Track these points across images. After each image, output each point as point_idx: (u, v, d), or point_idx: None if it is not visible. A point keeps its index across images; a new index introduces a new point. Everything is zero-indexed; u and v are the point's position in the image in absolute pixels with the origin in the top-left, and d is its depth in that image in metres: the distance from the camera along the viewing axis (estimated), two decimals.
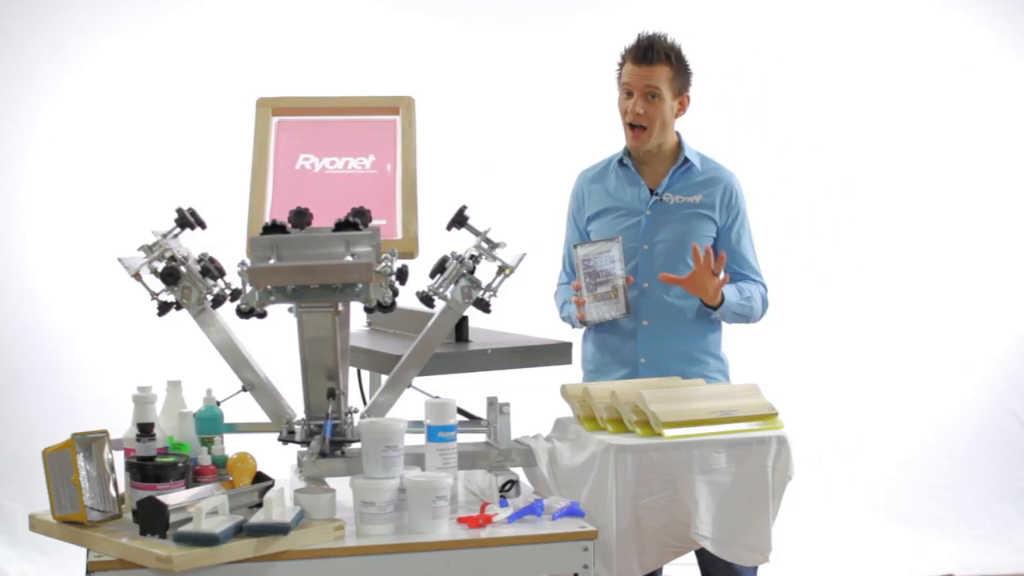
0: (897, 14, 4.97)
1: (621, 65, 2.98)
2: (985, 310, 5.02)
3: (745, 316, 2.97)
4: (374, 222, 2.37)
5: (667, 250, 2.95)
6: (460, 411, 2.53)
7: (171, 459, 2.28)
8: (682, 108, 2.98)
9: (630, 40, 2.96)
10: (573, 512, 2.36)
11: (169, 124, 4.45)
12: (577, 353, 2.99)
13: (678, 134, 3.02)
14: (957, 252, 5.01)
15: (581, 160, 4.64)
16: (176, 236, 2.42)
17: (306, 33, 4.57)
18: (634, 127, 2.94)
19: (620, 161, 3.04)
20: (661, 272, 2.89)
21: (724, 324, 3.03)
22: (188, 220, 2.41)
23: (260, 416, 2.48)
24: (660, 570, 2.96)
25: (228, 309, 2.38)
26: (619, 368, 2.98)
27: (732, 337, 3.10)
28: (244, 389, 2.47)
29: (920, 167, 4.99)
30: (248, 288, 2.27)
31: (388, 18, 4.65)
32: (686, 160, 2.99)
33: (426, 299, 2.44)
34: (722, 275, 2.81)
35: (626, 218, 2.99)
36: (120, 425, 2.44)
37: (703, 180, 2.99)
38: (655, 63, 2.90)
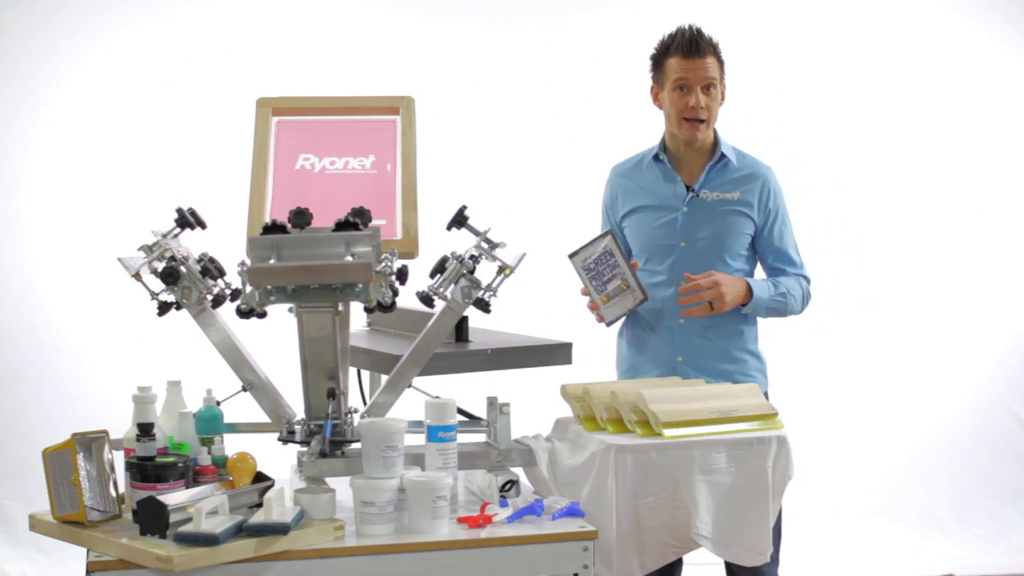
0: (897, 15, 4.97)
1: (658, 60, 2.95)
2: (985, 310, 5.02)
3: (779, 311, 2.96)
4: (374, 222, 2.37)
5: (705, 247, 2.92)
6: (460, 411, 2.53)
7: (171, 459, 2.28)
8: (723, 98, 2.96)
9: (667, 34, 2.92)
10: (573, 512, 2.36)
11: (169, 124, 4.45)
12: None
13: (715, 129, 3.00)
14: (957, 252, 5.01)
15: (582, 158, 4.66)
16: (176, 236, 2.42)
17: (306, 33, 4.57)
18: (692, 120, 2.90)
19: (656, 156, 3.01)
20: (688, 272, 2.88)
21: (760, 322, 3.00)
22: (188, 220, 2.41)
23: (260, 416, 2.48)
24: (681, 569, 2.97)
25: (228, 309, 2.38)
26: (655, 367, 2.96)
27: None
28: (244, 389, 2.47)
29: (919, 168, 4.99)
30: (248, 288, 2.27)
31: (388, 18, 4.65)
32: (723, 156, 2.96)
33: (426, 299, 2.44)
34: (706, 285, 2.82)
35: (663, 214, 2.96)
36: (120, 425, 2.44)
37: (740, 176, 2.97)
38: (706, 55, 2.88)
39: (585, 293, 2.90)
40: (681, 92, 2.91)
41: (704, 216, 2.94)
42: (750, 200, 2.95)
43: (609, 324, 2.91)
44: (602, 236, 2.86)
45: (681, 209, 2.95)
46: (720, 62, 2.93)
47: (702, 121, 2.90)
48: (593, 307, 2.90)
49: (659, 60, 2.95)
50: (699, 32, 2.91)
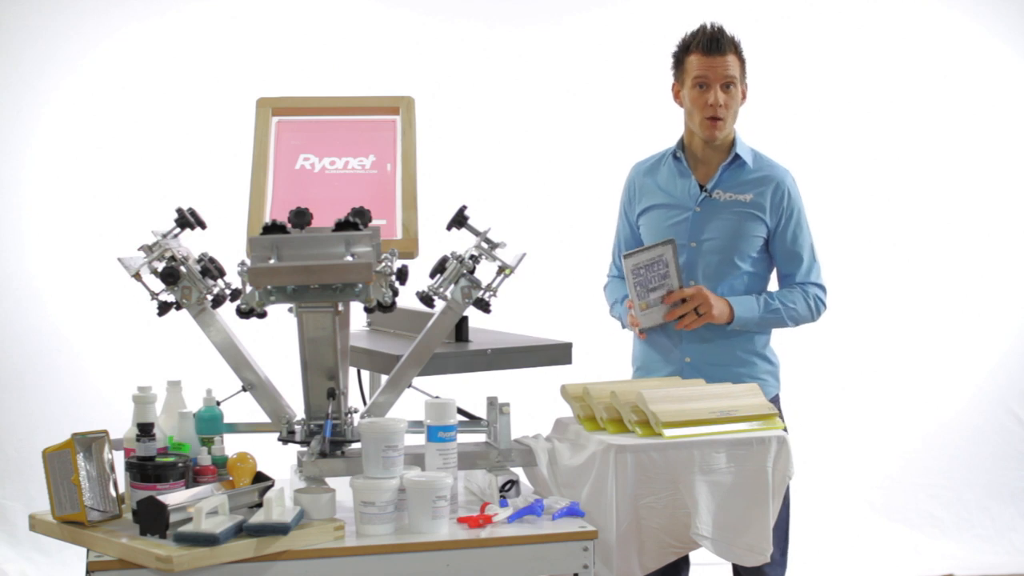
0: (897, 15, 4.97)
1: (679, 58, 2.94)
2: (985, 311, 5.02)
3: (777, 324, 2.96)
4: (374, 222, 2.37)
5: (715, 248, 2.91)
6: (460, 411, 2.53)
7: (171, 459, 2.28)
8: (744, 97, 2.96)
9: (689, 32, 2.93)
10: (573, 512, 2.36)
11: (169, 124, 4.45)
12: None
13: (733, 129, 2.99)
14: (957, 252, 5.01)
15: (582, 158, 4.67)
16: (176, 236, 2.42)
17: (306, 33, 4.57)
18: (711, 118, 2.89)
19: (674, 154, 3.01)
20: (698, 273, 2.91)
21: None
22: (188, 220, 2.41)
23: (260, 416, 2.48)
24: (688, 569, 2.96)
25: (228, 309, 2.38)
26: (665, 366, 2.96)
27: None
28: (244, 389, 2.47)
29: (919, 168, 4.99)
30: (248, 288, 2.27)
31: (388, 18, 4.65)
32: (737, 156, 2.95)
33: (426, 299, 2.43)
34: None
35: (676, 213, 2.96)
36: (120, 425, 2.44)
37: (755, 178, 2.95)
38: (727, 53, 2.88)
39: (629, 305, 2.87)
40: (700, 90, 2.90)
41: (716, 216, 2.93)
42: (763, 203, 2.93)
43: (643, 332, 2.90)
44: (663, 243, 2.83)
45: (694, 209, 2.95)
46: (741, 60, 2.91)
47: (720, 119, 2.90)
48: (630, 305, 2.87)
49: (680, 57, 2.95)
50: (720, 30, 2.90)
